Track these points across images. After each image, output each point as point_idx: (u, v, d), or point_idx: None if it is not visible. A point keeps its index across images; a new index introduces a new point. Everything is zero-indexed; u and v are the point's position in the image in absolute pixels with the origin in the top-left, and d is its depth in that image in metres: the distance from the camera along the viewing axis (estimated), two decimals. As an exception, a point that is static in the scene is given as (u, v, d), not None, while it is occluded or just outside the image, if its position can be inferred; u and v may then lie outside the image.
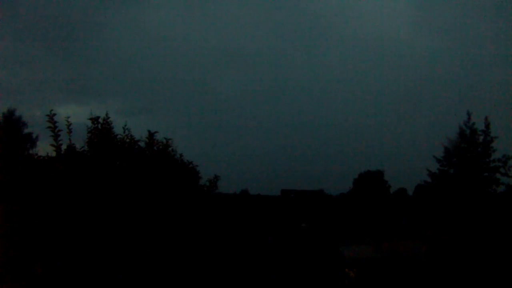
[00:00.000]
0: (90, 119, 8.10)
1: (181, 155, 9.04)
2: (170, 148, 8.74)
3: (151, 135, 8.39)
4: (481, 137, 21.44)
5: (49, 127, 7.56)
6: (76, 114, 8.77)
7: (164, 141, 8.62)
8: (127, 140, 8.34)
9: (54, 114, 7.58)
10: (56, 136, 7.59)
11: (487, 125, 21.33)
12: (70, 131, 7.76)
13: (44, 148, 7.93)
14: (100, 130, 8.10)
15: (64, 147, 7.75)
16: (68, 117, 7.79)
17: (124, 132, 8.33)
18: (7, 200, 7.33)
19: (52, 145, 7.64)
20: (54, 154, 7.73)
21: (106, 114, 8.24)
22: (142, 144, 8.43)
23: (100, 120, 8.12)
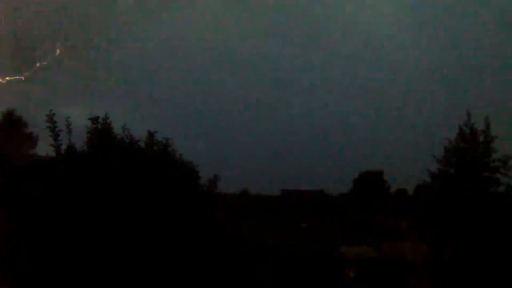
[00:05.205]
0: (90, 119, 8.11)
1: (180, 155, 9.07)
2: (170, 148, 8.75)
3: (150, 135, 8.41)
4: (481, 137, 21.43)
5: (48, 127, 7.58)
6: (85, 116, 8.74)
7: (164, 141, 8.64)
8: (127, 140, 8.36)
9: (54, 114, 7.61)
10: (56, 136, 7.61)
11: (487, 125, 21.32)
12: (70, 131, 7.78)
13: (46, 148, 7.95)
14: (100, 130, 8.12)
15: (64, 147, 7.77)
16: (68, 117, 7.82)
17: (124, 132, 8.35)
18: (8, 200, 7.33)
19: (51, 145, 7.66)
20: (54, 154, 7.75)
21: (106, 115, 8.26)
22: (142, 144, 8.44)
23: (100, 120, 8.13)
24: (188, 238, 7.96)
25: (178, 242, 7.77)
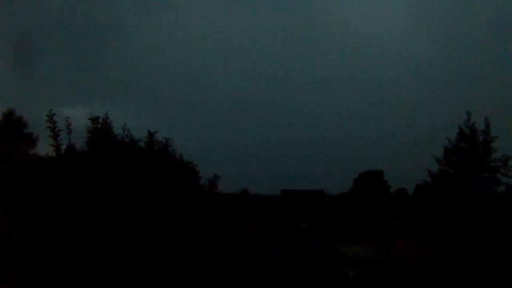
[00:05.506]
0: (90, 119, 8.12)
1: (181, 154, 9.08)
2: (170, 148, 8.77)
3: (150, 134, 8.42)
4: (481, 137, 21.47)
5: (48, 127, 7.58)
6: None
7: (164, 141, 8.65)
8: (127, 140, 8.37)
9: (54, 114, 7.61)
10: (55, 136, 7.61)
11: (487, 125, 21.37)
12: (70, 131, 7.78)
13: (46, 148, 7.96)
14: (100, 130, 8.13)
15: (64, 147, 7.77)
16: (68, 117, 7.82)
17: (124, 132, 8.36)
18: (7, 200, 7.33)
19: (51, 145, 7.66)
20: (53, 154, 7.75)
21: (106, 114, 8.27)
22: (142, 143, 8.45)
23: (100, 120, 8.13)
24: (189, 238, 7.96)
25: (179, 242, 7.77)
